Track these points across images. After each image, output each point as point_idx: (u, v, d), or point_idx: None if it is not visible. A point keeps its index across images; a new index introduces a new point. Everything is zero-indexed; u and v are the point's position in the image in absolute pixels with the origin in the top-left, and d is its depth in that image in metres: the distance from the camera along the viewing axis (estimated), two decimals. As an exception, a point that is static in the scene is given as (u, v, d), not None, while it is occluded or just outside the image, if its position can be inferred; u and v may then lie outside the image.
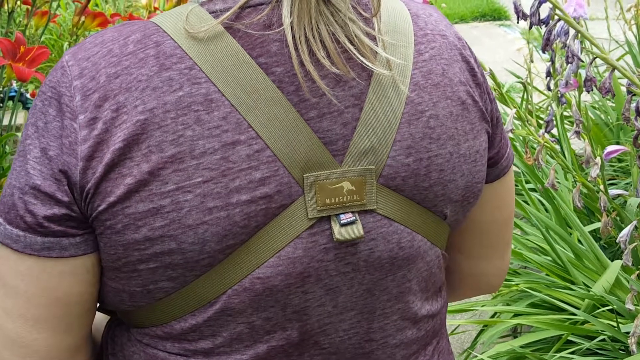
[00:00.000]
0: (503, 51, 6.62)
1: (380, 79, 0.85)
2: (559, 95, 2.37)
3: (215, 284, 0.82)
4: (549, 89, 2.60)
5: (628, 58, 3.89)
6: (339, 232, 0.83)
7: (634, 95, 1.46)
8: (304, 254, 0.83)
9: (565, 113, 3.45)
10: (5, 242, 0.81)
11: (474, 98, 0.92)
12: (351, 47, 0.81)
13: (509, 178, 1.05)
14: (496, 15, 8.69)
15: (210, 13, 0.82)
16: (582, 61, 1.51)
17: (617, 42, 4.04)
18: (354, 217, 0.84)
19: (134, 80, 0.79)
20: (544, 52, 2.15)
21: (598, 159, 1.86)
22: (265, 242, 0.82)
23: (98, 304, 0.90)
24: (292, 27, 0.79)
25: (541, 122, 3.50)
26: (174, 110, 0.78)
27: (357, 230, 0.83)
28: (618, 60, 3.46)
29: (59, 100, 0.80)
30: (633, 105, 1.48)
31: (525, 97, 3.27)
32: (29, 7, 2.28)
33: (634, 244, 1.79)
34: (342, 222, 0.83)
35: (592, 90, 1.45)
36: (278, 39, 0.81)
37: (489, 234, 1.08)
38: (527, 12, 1.64)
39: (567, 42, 1.47)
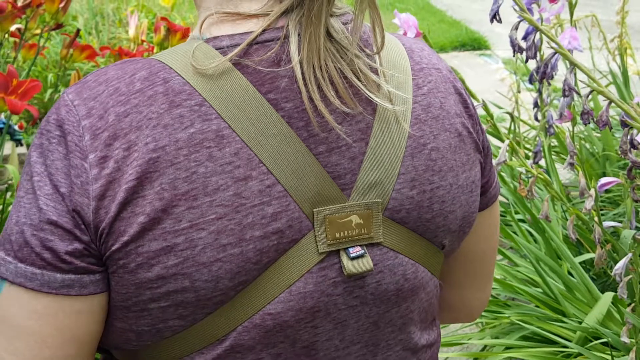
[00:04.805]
0: (483, 81, 6.66)
1: (384, 113, 0.85)
2: (548, 126, 2.38)
3: (225, 321, 0.81)
4: (536, 119, 2.61)
5: (612, 88, 3.93)
6: (350, 266, 0.83)
7: (631, 127, 1.46)
8: (315, 289, 0.83)
9: (551, 143, 3.46)
10: (18, 280, 0.77)
11: (469, 129, 0.94)
12: (358, 83, 0.82)
13: (496, 208, 1.06)
14: (476, 45, 8.73)
15: (216, 49, 0.81)
16: (579, 94, 1.51)
17: (600, 72, 4.08)
18: (363, 251, 0.84)
19: (144, 118, 0.78)
20: (530, 84, 2.17)
21: (592, 191, 1.86)
22: (276, 278, 0.81)
23: None
24: (301, 64, 0.79)
25: (527, 152, 3.52)
26: (186, 147, 0.77)
27: (366, 263, 0.84)
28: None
29: (66, 139, 0.78)
30: (629, 137, 1.49)
31: (512, 128, 3.29)
32: (17, 39, 2.27)
33: (629, 277, 1.79)
34: (351, 255, 0.83)
35: (589, 123, 1.45)
36: (287, 76, 0.81)
37: (473, 264, 1.08)
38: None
39: (565, 75, 1.48)
